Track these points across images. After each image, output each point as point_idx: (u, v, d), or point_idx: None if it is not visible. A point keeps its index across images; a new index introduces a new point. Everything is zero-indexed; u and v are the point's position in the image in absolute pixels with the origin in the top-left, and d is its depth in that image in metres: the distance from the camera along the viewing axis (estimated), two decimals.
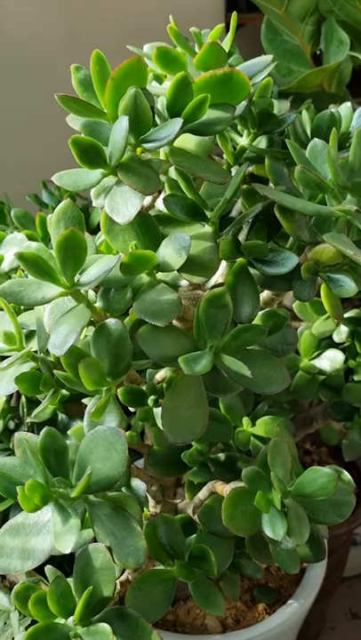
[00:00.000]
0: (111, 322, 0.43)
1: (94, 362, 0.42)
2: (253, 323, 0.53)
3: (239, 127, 0.56)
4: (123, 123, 0.39)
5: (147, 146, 0.42)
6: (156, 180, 0.42)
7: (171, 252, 0.44)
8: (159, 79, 0.58)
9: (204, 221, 0.47)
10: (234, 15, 0.48)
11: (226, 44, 0.48)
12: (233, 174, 0.48)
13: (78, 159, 0.41)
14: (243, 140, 0.55)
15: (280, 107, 0.63)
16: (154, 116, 0.43)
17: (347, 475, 0.54)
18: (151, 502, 0.59)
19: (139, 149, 0.43)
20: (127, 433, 0.57)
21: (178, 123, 0.41)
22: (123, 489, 0.55)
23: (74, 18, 1.12)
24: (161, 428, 0.45)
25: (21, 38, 1.08)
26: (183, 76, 0.45)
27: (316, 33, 0.92)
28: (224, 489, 0.52)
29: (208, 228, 0.48)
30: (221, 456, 0.62)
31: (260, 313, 0.53)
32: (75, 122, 0.45)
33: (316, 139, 0.46)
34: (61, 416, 0.62)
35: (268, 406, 0.71)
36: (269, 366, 0.47)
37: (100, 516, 0.44)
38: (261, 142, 0.56)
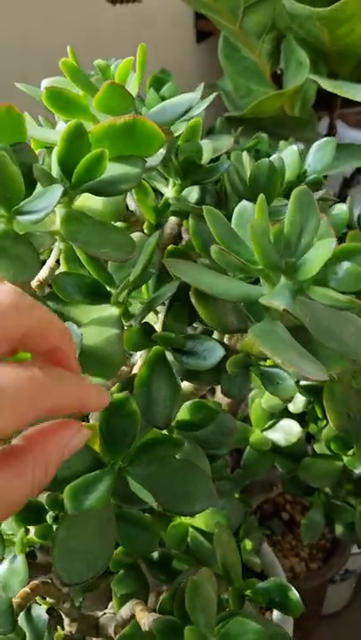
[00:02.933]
0: None
1: None
2: (179, 418, 0.44)
3: (166, 175, 0.47)
4: None
5: (21, 219, 0.33)
6: (33, 263, 0.33)
7: None
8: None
9: (109, 303, 0.38)
10: (141, 47, 0.39)
11: (133, 85, 0.39)
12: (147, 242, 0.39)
13: None
14: (168, 192, 0.46)
15: (221, 144, 0.53)
16: (29, 177, 0.33)
17: (295, 594, 0.45)
18: (66, 620, 0.49)
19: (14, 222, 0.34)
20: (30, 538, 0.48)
21: (58, 191, 0.32)
22: (22, 616, 0.46)
23: (29, 26, 1.02)
24: None
25: None
26: (76, 126, 0.35)
27: (275, 51, 0.83)
28: (143, 618, 0.43)
29: (114, 311, 0.39)
30: (155, 555, 0.52)
31: (186, 404, 0.44)
32: None
33: (244, 201, 0.37)
34: None
35: (216, 481, 0.63)
36: (191, 481, 0.38)
37: None
38: (193, 193, 0.47)
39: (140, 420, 0.36)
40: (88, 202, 0.40)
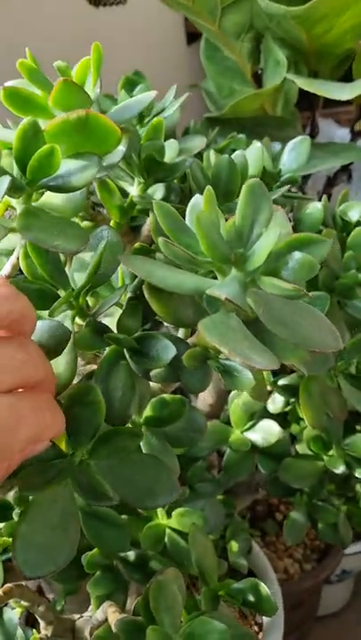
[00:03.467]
0: None
1: None
2: (146, 414, 0.44)
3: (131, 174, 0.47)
4: None
5: None
6: None
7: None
8: None
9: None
10: (95, 45, 0.39)
11: (90, 84, 0.39)
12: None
13: None
14: (133, 190, 0.46)
15: (193, 144, 0.53)
16: None
17: (267, 592, 0.44)
18: (42, 623, 0.49)
19: None
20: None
21: (4, 181, 0.32)
22: None
23: (13, 29, 1.03)
24: None
25: None
26: (30, 123, 0.35)
27: (255, 51, 0.83)
28: (114, 619, 0.43)
29: (68, 313, 0.38)
30: (131, 555, 0.52)
31: (152, 401, 0.44)
32: None
33: (197, 196, 0.37)
34: None
35: (196, 482, 0.62)
36: (153, 475, 0.38)
37: None
38: (158, 191, 0.47)
39: (103, 410, 0.35)
40: (49, 199, 0.40)
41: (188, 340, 0.39)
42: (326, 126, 1.10)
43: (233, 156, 0.44)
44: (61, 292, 0.37)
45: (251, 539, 0.78)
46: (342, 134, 1.09)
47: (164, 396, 0.44)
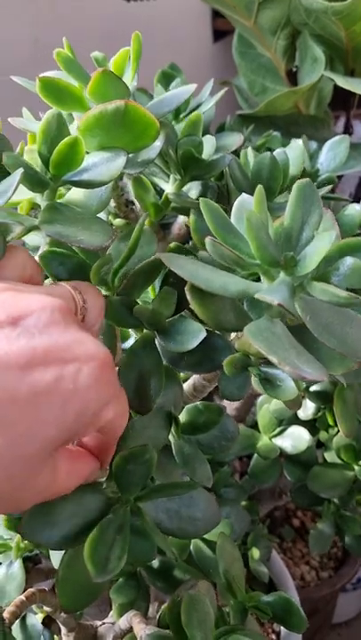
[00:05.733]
0: None
1: None
2: (183, 421, 0.42)
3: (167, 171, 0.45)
4: None
5: None
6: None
7: None
8: None
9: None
10: (135, 35, 0.37)
11: (129, 75, 0.38)
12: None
13: None
14: (168, 188, 0.44)
15: (230, 141, 0.51)
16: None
17: (299, 610, 0.42)
18: (63, 629, 0.48)
19: None
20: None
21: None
22: (16, 625, 0.45)
23: (40, 27, 1.01)
24: None
25: None
26: (53, 115, 0.34)
27: (290, 48, 0.81)
28: (140, 630, 0.41)
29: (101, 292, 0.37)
30: (155, 562, 0.51)
31: (188, 407, 0.42)
32: None
33: (244, 194, 0.35)
34: None
35: (221, 488, 0.61)
36: (196, 505, 0.37)
37: None
38: (193, 189, 0.46)
39: (154, 466, 0.34)
40: (74, 196, 0.39)
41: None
42: (358, 127, 1.08)
43: (275, 154, 0.42)
44: None
45: (271, 546, 0.76)
46: None
47: (199, 403, 0.42)
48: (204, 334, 0.35)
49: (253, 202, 0.31)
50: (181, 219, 0.51)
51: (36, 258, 0.37)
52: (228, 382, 0.37)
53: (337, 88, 0.85)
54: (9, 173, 0.31)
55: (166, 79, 0.55)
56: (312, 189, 0.33)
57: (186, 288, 0.34)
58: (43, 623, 0.50)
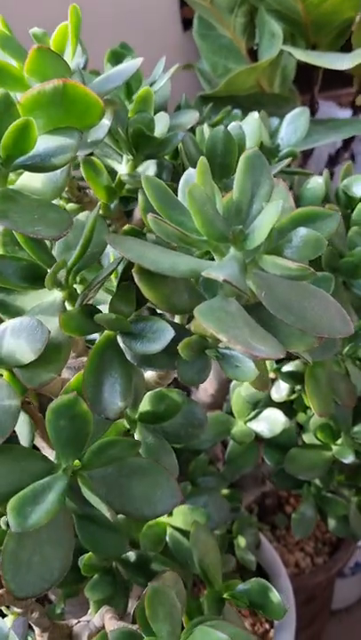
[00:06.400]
0: None
1: None
2: (142, 410, 0.41)
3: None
4: None
5: None
6: None
7: (21, 343, 0.32)
8: None
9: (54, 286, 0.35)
10: (72, 7, 0.35)
11: (69, 51, 0.36)
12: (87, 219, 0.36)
13: None
14: (122, 169, 0.43)
15: (185, 120, 0.50)
16: None
17: (276, 596, 0.41)
18: (37, 630, 0.46)
19: None
20: None
21: None
22: None
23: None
24: None
25: None
26: (2, 96, 0.32)
27: (249, 25, 0.80)
28: (111, 625, 0.40)
29: (58, 295, 0.35)
30: (131, 555, 0.50)
31: (148, 394, 0.41)
32: None
33: (190, 170, 0.34)
34: None
35: (199, 477, 0.59)
36: (152, 482, 0.35)
37: None
38: (150, 168, 0.44)
39: (92, 421, 0.32)
40: (28, 181, 0.37)
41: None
42: (327, 108, 1.06)
43: (229, 128, 0.41)
44: None
45: (259, 533, 0.75)
46: (344, 116, 1.05)
47: (161, 389, 0.41)
48: (171, 334, 0.33)
49: (196, 174, 0.30)
50: None
51: None
52: (187, 367, 0.35)
53: (301, 66, 0.84)
54: None
55: (116, 58, 0.54)
56: (261, 160, 0.32)
57: (133, 271, 0.32)
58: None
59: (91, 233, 0.33)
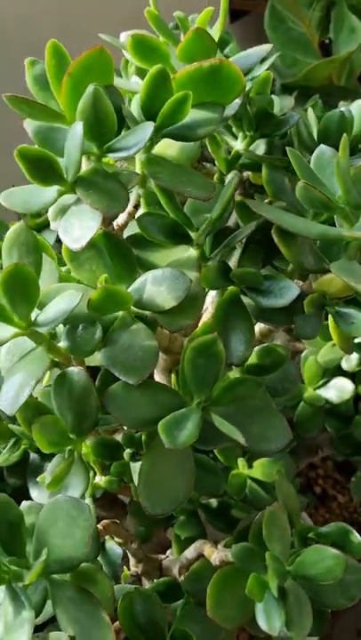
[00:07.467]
0: (73, 371, 0.36)
1: (51, 420, 0.35)
2: (249, 362, 0.45)
3: (235, 129, 0.48)
4: (76, 129, 0.31)
5: (112, 156, 0.34)
6: (123, 197, 0.34)
7: (163, 291, 0.37)
8: (143, 73, 0.50)
9: (189, 244, 0.40)
10: None
11: (216, 31, 0.40)
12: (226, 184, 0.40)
13: (28, 174, 0.33)
14: (238, 145, 0.47)
15: (283, 104, 0.54)
16: (122, 119, 0.35)
17: (356, 536, 0.46)
18: (132, 560, 0.51)
19: (106, 159, 0.36)
20: (104, 479, 0.50)
21: (149, 127, 0.34)
22: None
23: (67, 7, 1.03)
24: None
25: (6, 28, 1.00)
26: (159, 70, 0.37)
27: (324, 20, 0.84)
28: (213, 554, 0.45)
29: (193, 252, 0.40)
30: (213, 502, 0.54)
31: (256, 349, 0.45)
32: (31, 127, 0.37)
33: (322, 145, 0.38)
34: (33, 456, 0.54)
35: None
36: (267, 422, 0.40)
37: (63, 598, 0.36)
38: (260, 147, 0.48)
39: (224, 361, 0.37)
40: (164, 149, 0.42)
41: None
42: None
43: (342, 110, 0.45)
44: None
45: (306, 501, 0.79)
46: None
47: (268, 344, 0.45)
48: (297, 291, 0.37)
49: (340, 148, 0.34)
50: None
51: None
52: (304, 323, 0.40)
53: None
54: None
55: (221, 44, 0.58)
56: None
57: (273, 230, 0.37)
58: None
59: (230, 197, 0.38)
